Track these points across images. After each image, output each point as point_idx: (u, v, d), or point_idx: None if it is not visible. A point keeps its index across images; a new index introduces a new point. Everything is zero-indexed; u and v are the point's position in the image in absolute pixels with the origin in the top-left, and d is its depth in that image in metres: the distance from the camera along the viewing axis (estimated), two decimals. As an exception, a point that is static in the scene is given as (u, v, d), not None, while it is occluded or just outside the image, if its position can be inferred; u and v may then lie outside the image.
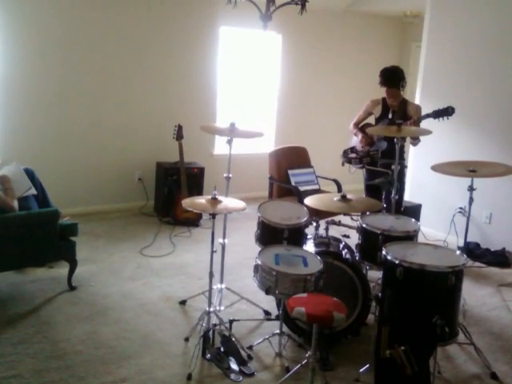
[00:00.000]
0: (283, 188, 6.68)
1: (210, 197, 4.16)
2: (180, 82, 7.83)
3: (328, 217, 5.10)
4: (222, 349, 4.08)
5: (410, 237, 4.30)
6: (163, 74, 7.70)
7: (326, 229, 4.67)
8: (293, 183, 6.61)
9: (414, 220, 4.63)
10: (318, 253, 4.20)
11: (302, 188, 6.53)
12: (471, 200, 4.69)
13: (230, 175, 4.87)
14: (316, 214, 4.75)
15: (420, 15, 8.44)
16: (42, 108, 6.91)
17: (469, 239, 5.94)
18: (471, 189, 4.67)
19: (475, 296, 5.42)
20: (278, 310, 4.30)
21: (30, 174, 5.32)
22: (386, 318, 3.68)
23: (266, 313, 4.78)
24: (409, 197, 7.34)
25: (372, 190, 5.67)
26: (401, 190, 5.63)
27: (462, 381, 4.00)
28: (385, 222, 4.48)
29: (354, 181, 6.57)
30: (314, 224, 4.67)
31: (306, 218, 4.56)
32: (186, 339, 4.29)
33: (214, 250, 4.22)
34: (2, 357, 3.91)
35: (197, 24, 7.78)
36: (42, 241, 4.87)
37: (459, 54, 6.93)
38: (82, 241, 5.75)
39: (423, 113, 5.51)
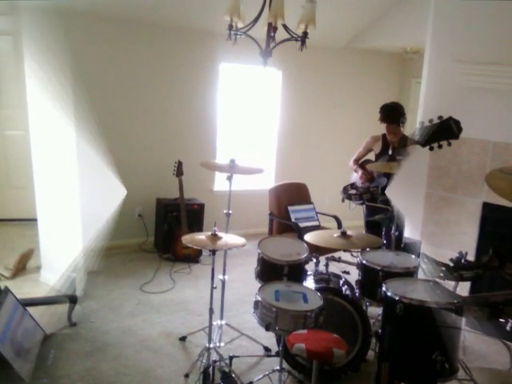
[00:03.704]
0: (283, 224, 6.70)
1: (209, 233, 4.19)
2: (180, 118, 7.90)
3: (328, 253, 5.13)
4: (222, 385, 4.07)
5: (410, 273, 4.32)
6: (163, 110, 7.76)
7: (326, 265, 4.69)
8: (293, 219, 6.63)
9: (413, 256, 4.64)
10: (318, 289, 4.20)
11: (302, 224, 6.54)
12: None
13: (230, 211, 4.89)
14: (316, 251, 4.75)
15: (420, 51, 8.52)
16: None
17: (469, 275, 5.92)
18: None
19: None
20: (278, 346, 4.29)
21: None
22: (386, 354, 3.67)
23: (266, 349, 4.77)
24: (409, 233, 7.32)
25: (372, 227, 5.69)
26: (401, 227, 5.64)
27: (464, 418, 3.99)
28: (385, 258, 4.50)
29: (354, 217, 6.58)
30: (314, 260, 4.67)
31: (306, 255, 4.57)
32: (186, 375, 4.28)
33: (214, 286, 4.22)
34: (2, 393, 3.91)
35: (197, 60, 7.87)
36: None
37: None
38: (82, 277, 5.76)
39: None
